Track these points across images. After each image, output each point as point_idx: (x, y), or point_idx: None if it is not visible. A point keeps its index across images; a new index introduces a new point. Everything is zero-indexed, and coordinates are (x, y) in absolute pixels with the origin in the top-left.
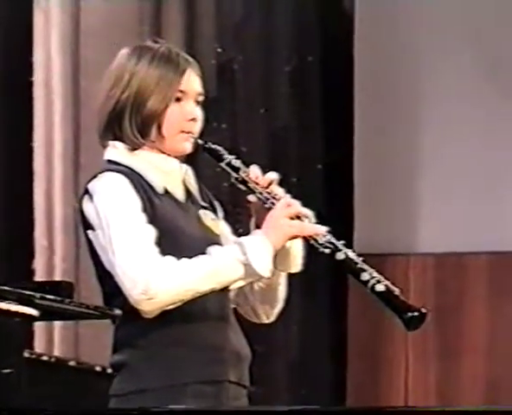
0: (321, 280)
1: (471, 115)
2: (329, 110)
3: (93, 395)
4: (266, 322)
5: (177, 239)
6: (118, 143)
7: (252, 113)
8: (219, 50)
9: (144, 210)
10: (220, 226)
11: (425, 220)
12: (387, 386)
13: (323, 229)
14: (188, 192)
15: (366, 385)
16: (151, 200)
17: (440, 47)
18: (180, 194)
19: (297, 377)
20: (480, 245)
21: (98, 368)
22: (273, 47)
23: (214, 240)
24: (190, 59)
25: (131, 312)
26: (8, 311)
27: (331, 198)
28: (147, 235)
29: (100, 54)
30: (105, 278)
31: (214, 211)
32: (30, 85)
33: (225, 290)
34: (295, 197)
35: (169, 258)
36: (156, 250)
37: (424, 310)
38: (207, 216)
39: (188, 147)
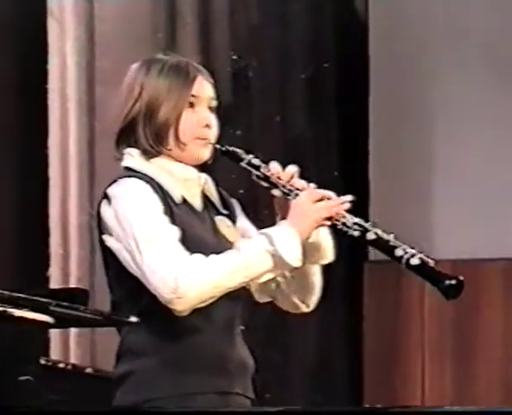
0: (337, 286)
1: (486, 121)
2: (344, 117)
3: (109, 402)
4: (307, 311)
5: (193, 248)
6: (133, 151)
7: (268, 121)
8: (234, 58)
9: (165, 214)
10: (236, 233)
11: (441, 226)
12: (403, 390)
13: (348, 198)
14: (205, 201)
15: (383, 389)
16: (170, 207)
17: (455, 57)
18: (197, 204)
19: (314, 384)
20: (496, 251)
21: (112, 375)
22: (289, 55)
23: (228, 249)
24: (200, 67)
25: (139, 321)
26: (23, 319)
27: None
28: (173, 235)
29: (115, 61)
30: (117, 284)
31: (233, 219)
32: (45, 92)
33: (234, 299)
34: None
35: (198, 256)
36: (182, 248)
37: (461, 278)
38: (222, 223)
39: (205, 154)
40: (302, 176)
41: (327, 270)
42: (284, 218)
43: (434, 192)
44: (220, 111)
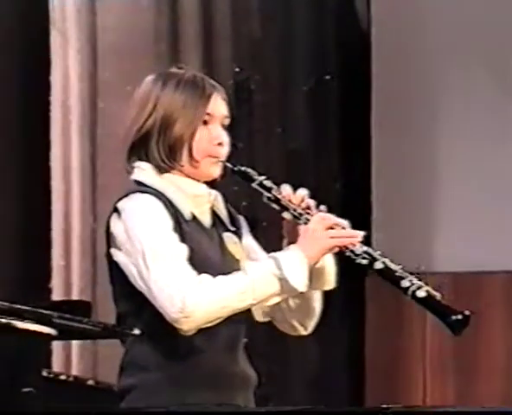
0: (338, 297)
1: (490, 132)
2: (346, 129)
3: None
4: (304, 333)
5: (200, 266)
6: (144, 165)
7: (269, 133)
8: (236, 70)
9: (175, 231)
10: (243, 249)
11: (441, 238)
12: (405, 400)
13: (360, 234)
14: (214, 218)
15: (384, 400)
16: (180, 224)
17: (459, 66)
18: (206, 221)
19: (315, 395)
20: (497, 264)
21: (116, 387)
22: (290, 67)
23: (235, 267)
24: (216, 84)
25: (142, 334)
26: (26, 331)
27: (349, 217)
28: (182, 253)
29: (117, 73)
30: (122, 298)
31: (239, 236)
32: (48, 104)
33: (237, 320)
34: None
35: (205, 276)
36: (191, 268)
37: (467, 313)
38: (230, 240)
39: (216, 171)
40: (303, 188)
41: None
42: (291, 242)
43: (435, 205)
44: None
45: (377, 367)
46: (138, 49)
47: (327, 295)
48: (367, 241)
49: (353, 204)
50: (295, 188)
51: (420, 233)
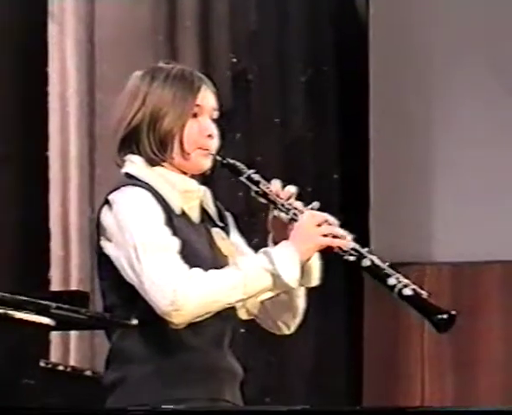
0: (337, 291)
1: (486, 126)
2: (344, 119)
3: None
4: (287, 333)
5: (190, 261)
6: (135, 158)
7: (267, 124)
8: (234, 60)
9: (167, 225)
10: (231, 245)
11: (440, 229)
12: (403, 397)
13: (349, 237)
14: (203, 213)
15: (382, 396)
16: (171, 218)
17: (456, 59)
18: (195, 216)
19: (313, 388)
20: (495, 254)
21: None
22: (288, 58)
23: (223, 262)
24: (204, 77)
25: (140, 325)
26: (24, 321)
27: (347, 208)
28: (173, 246)
29: (115, 65)
30: (110, 290)
31: (227, 232)
32: (46, 96)
33: (225, 315)
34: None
35: (197, 270)
36: (182, 261)
37: (453, 312)
38: (218, 235)
39: (206, 164)
40: (301, 179)
41: (328, 275)
42: (276, 237)
43: (434, 195)
44: (219, 113)
45: (375, 361)
46: (136, 41)
47: (326, 294)
48: (365, 232)
49: (351, 195)
50: (293, 179)
51: (419, 224)
